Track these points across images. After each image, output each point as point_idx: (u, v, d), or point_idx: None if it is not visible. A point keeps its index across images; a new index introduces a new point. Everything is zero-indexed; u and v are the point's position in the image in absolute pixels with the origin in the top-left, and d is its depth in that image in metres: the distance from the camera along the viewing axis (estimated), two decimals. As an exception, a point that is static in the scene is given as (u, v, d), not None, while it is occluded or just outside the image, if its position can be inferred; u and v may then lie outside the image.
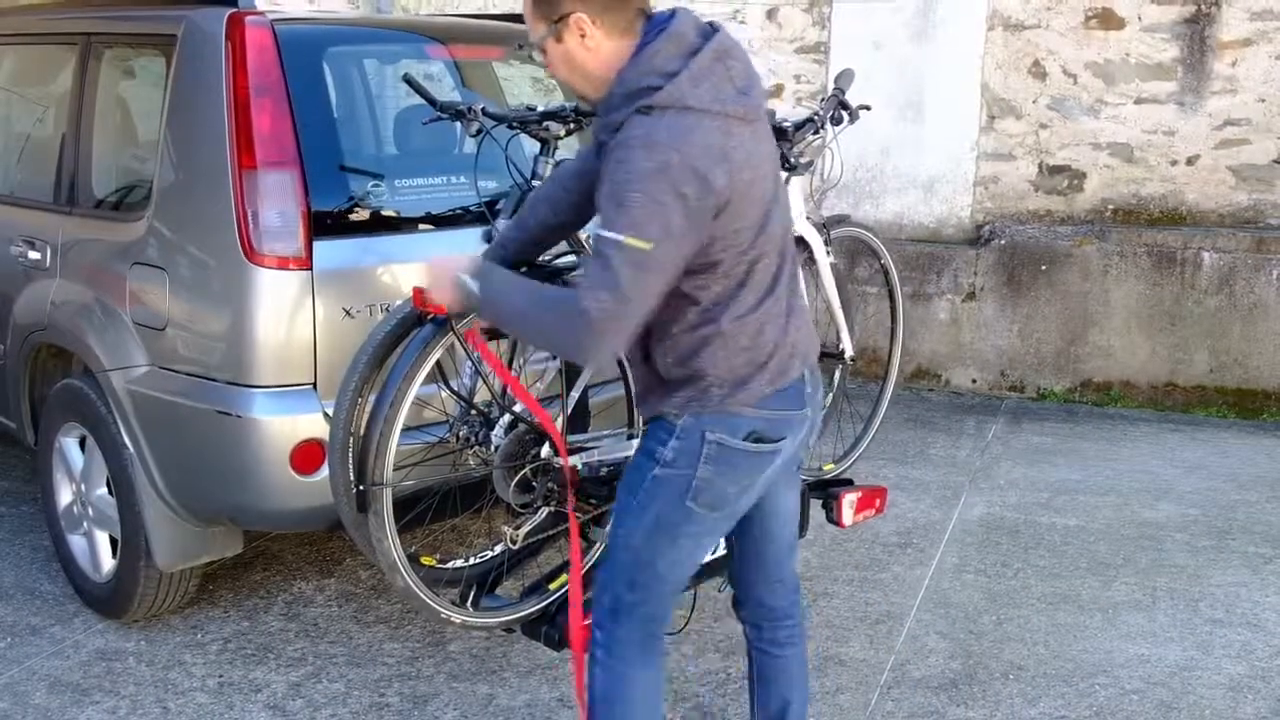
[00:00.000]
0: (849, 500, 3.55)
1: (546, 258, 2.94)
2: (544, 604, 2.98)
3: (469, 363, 2.82)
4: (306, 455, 3.06)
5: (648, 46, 2.09)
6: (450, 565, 2.99)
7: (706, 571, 3.17)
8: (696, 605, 3.39)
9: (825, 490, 3.57)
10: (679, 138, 2.02)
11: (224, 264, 3.10)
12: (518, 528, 2.88)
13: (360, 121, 3.90)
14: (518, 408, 2.85)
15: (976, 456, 5.38)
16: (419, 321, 2.67)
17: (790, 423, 2.30)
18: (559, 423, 2.84)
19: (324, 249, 3.09)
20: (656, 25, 2.12)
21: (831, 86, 3.67)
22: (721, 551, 3.17)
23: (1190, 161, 6.37)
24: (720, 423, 2.24)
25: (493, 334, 2.96)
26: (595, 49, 2.13)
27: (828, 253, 3.64)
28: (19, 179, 4.11)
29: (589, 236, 3.00)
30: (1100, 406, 6.28)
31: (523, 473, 2.80)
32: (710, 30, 2.14)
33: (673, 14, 2.13)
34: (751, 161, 2.11)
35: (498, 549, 3.04)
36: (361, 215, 3.21)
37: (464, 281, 2.24)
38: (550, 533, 2.95)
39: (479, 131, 3.01)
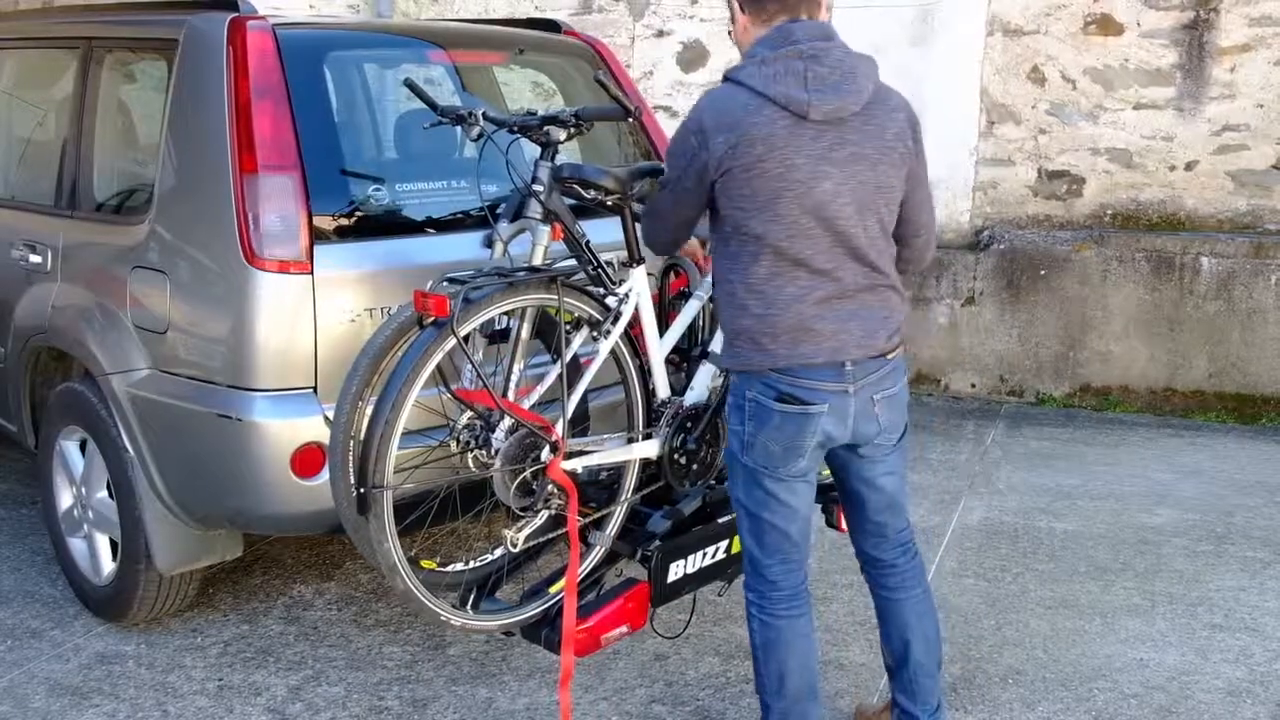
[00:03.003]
0: (849, 505, 3.57)
1: (547, 262, 2.96)
2: (544, 607, 2.99)
3: (470, 365, 2.82)
4: (307, 459, 3.07)
5: (764, 37, 2.50)
6: (450, 568, 2.99)
7: (705, 575, 3.18)
8: (696, 609, 3.40)
9: (824, 495, 3.57)
10: (709, 99, 2.49)
11: (225, 268, 3.10)
12: (518, 531, 2.88)
13: (361, 126, 3.91)
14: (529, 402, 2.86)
15: (975, 461, 5.38)
16: (419, 325, 2.67)
17: (818, 392, 2.52)
18: (559, 427, 2.84)
19: (325, 253, 3.09)
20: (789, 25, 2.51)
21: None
22: (721, 555, 3.19)
23: (1189, 167, 6.38)
24: (754, 382, 2.56)
25: (494, 337, 2.97)
26: (743, 33, 2.58)
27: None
28: (20, 182, 4.11)
29: (586, 241, 3.02)
30: (1099, 411, 6.29)
31: (523, 476, 2.80)
32: (819, 36, 2.46)
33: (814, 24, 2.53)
34: (774, 144, 2.40)
35: (497, 552, 3.04)
36: (362, 219, 3.21)
37: None
38: (550, 536, 2.95)
39: (480, 136, 3.01)
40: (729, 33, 2.72)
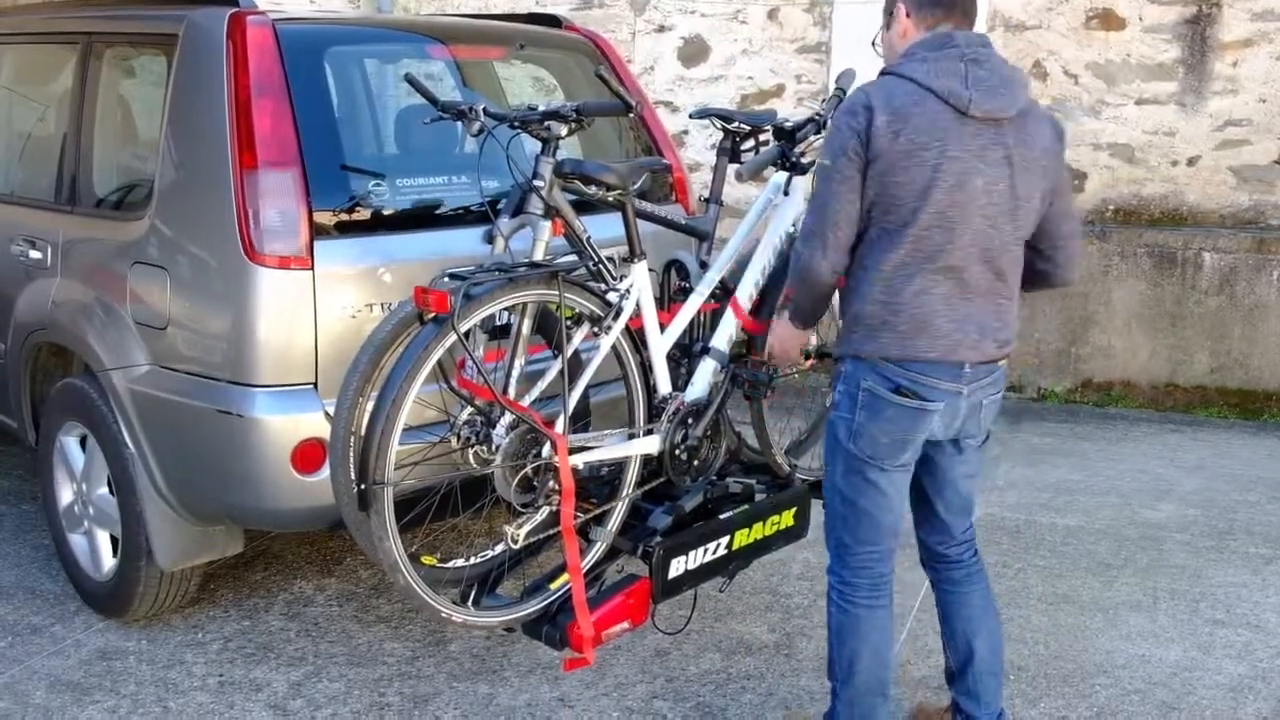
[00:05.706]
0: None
1: (548, 258, 2.95)
2: (545, 603, 2.98)
3: (471, 362, 2.81)
4: (307, 455, 3.06)
5: (924, 40, 2.57)
6: (451, 565, 2.99)
7: (707, 571, 3.17)
8: (697, 605, 3.40)
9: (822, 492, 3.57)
10: (873, 86, 2.53)
11: (225, 263, 3.10)
12: (519, 527, 2.88)
13: (362, 121, 3.90)
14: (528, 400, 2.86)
15: (977, 457, 5.37)
16: (420, 321, 2.67)
17: (937, 390, 2.57)
18: (560, 423, 2.84)
19: (325, 248, 3.09)
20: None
21: (833, 86, 3.67)
22: (723, 552, 3.19)
23: (1191, 162, 6.37)
24: (869, 372, 2.59)
25: (494, 333, 2.97)
26: (901, 37, 2.64)
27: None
28: (20, 178, 4.11)
29: (587, 236, 3.02)
30: (1101, 407, 6.28)
31: (524, 472, 2.80)
32: (979, 43, 2.55)
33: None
34: (936, 134, 2.46)
35: (498, 548, 3.04)
36: (363, 215, 3.21)
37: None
38: (551, 532, 2.95)
39: (480, 131, 3.01)
40: (874, 43, 2.78)
